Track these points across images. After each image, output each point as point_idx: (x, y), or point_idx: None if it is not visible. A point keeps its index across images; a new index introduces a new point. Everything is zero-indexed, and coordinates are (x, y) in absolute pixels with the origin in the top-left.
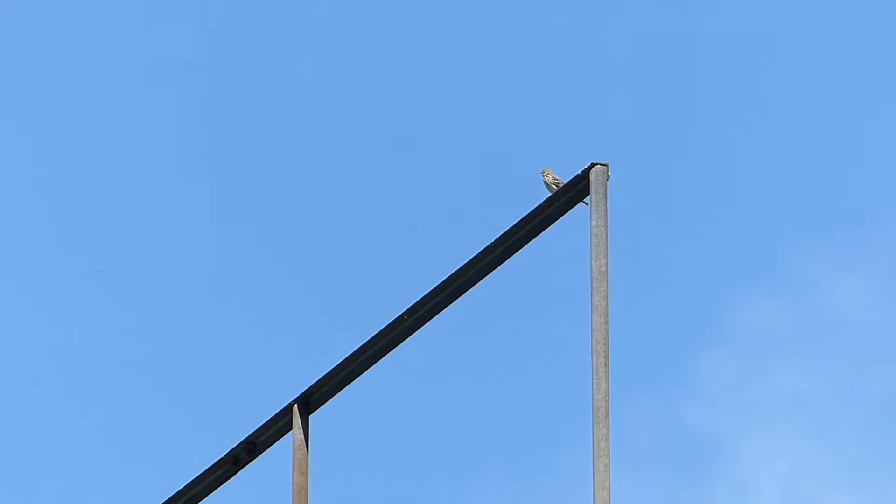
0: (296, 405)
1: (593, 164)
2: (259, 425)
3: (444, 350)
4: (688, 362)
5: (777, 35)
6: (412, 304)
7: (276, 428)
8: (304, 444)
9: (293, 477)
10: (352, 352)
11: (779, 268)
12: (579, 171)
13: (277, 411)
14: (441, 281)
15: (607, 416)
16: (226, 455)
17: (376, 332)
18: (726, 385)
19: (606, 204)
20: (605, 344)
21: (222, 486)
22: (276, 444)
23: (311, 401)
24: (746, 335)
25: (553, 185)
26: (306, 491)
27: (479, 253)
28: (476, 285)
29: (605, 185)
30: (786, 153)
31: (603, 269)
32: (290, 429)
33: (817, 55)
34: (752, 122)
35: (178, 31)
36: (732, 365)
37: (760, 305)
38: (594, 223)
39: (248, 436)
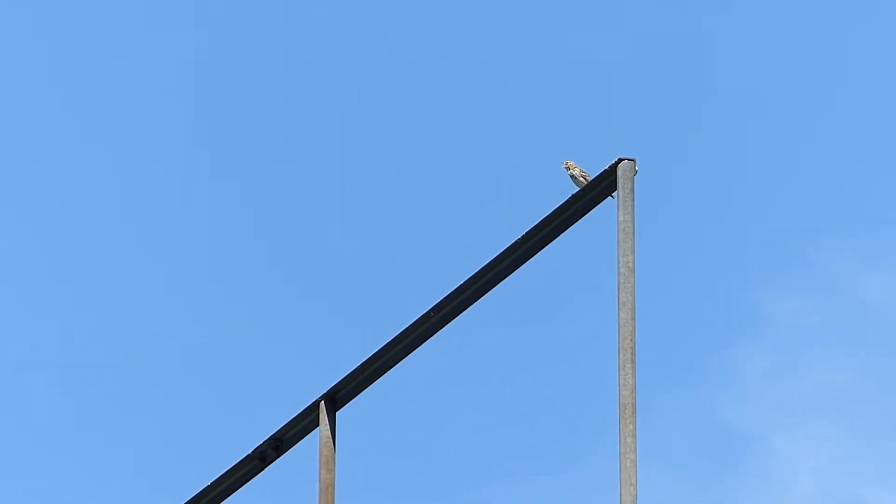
0: (323, 402)
1: (621, 160)
2: (286, 422)
3: (471, 346)
4: (720, 357)
5: (791, 32)
6: (439, 300)
7: (302, 424)
8: (331, 440)
9: (320, 473)
10: (379, 348)
11: (810, 262)
12: (606, 167)
13: (304, 408)
14: (467, 277)
15: (634, 412)
16: (253, 452)
17: (403, 329)
18: (759, 379)
19: (634, 199)
20: (631, 340)
21: (249, 482)
22: (302, 440)
23: (337, 397)
24: (779, 329)
25: (581, 179)
26: (333, 487)
27: (506, 249)
28: (502, 281)
29: (633, 181)
30: (815, 147)
31: (630, 264)
32: (317, 425)
33: (836, 51)
34: (779, 116)
35: (177, 31)
36: (765, 359)
37: (792, 299)
38: (621, 218)
39: (275, 432)
